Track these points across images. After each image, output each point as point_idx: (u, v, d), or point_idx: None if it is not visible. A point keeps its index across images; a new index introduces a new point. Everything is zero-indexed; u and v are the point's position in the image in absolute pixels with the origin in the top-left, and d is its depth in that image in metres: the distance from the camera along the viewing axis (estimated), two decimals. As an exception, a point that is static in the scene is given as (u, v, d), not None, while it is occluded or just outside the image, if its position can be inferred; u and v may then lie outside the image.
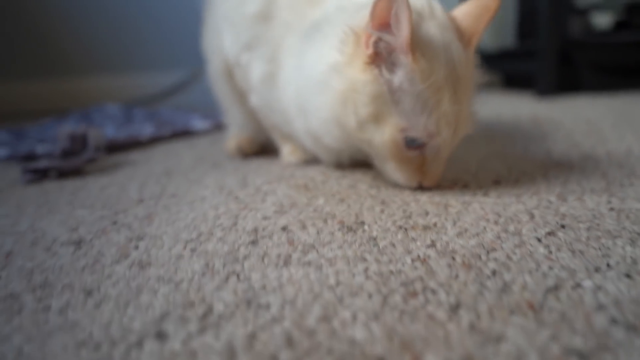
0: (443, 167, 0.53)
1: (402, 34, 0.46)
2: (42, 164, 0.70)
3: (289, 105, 0.60)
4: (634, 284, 0.31)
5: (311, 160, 0.68)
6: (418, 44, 0.47)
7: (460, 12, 0.52)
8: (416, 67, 0.47)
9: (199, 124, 1.11)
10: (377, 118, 0.49)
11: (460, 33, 0.50)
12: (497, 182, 0.55)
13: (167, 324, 0.29)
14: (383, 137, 0.50)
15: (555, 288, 0.31)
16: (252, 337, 0.27)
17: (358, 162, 0.64)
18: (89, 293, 0.34)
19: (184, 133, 1.05)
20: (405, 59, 0.47)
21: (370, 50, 0.48)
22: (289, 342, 0.27)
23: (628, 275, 0.32)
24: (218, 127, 1.09)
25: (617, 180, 0.54)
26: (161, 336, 0.28)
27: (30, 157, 0.81)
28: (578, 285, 0.31)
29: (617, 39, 1.41)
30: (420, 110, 0.48)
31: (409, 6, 0.44)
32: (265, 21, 0.61)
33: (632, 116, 0.96)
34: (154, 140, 1.01)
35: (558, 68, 1.35)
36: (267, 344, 0.27)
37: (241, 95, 0.70)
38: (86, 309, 0.32)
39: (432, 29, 0.49)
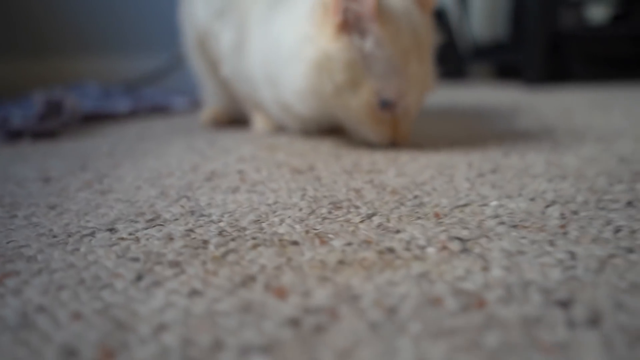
0: (412, 124, 0.60)
1: (368, 1, 0.53)
2: (16, 124, 0.76)
3: (256, 73, 0.67)
4: (535, 204, 0.38)
5: (281, 129, 0.75)
6: (382, 11, 0.54)
7: None
8: (384, 33, 0.54)
9: (178, 100, 1.17)
10: (352, 83, 0.56)
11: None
12: (452, 144, 0.62)
13: (118, 224, 0.36)
14: (359, 100, 0.56)
15: (464, 205, 0.38)
16: (190, 230, 0.34)
17: (324, 130, 0.70)
18: (52, 207, 0.41)
19: (163, 109, 1.12)
20: (373, 26, 0.54)
21: (339, 18, 0.55)
22: (220, 233, 0.33)
23: (532, 199, 0.39)
24: (198, 105, 1.16)
25: (564, 144, 0.60)
26: (112, 230, 0.35)
27: (5, 121, 0.87)
28: (485, 205, 0.38)
29: (608, 32, 1.49)
30: (391, 72, 0.55)
31: None
32: None
33: (609, 103, 1.03)
34: (132, 115, 1.07)
35: (547, 58, 1.42)
36: (201, 235, 0.33)
37: (214, 66, 0.77)
38: (49, 216, 0.38)
39: None
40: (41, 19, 1.85)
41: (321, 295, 0.24)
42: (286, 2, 0.62)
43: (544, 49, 1.41)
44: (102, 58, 1.86)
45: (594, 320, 0.21)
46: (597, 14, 1.78)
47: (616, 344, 0.20)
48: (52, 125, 0.78)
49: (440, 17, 1.83)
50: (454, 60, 1.90)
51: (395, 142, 0.60)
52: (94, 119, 0.98)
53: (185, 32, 0.81)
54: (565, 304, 0.23)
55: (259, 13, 0.66)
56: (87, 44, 1.87)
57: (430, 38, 0.58)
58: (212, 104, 0.88)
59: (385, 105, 0.57)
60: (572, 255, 0.28)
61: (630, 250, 0.29)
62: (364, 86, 0.56)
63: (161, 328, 0.22)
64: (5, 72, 1.80)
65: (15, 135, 0.76)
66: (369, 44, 0.54)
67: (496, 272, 0.26)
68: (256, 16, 0.66)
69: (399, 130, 0.59)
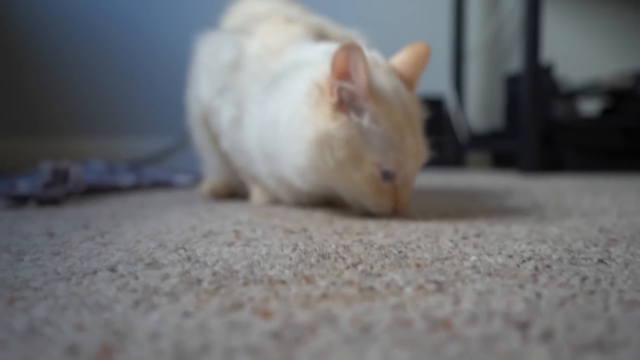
0: (411, 192, 0.64)
1: (361, 81, 0.59)
2: (22, 190, 0.81)
3: (252, 148, 0.72)
4: (512, 259, 0.41)
5: (277, 200, 0.79)
6: (374, 90, 0.60)
7: (398, 61, 0.66)
8: (378, 110, 0.60)
9: (180, 177, 1.23)
10: (353, 158, 0.61)
11: (402, 78, 0.64)
12: (442, 216, 0.66)
13: (118, 266, 0.39)
14: (362, 173, 0.61)
15: (445, 259, 0.41)
16: (186, 272, 0.37)
17: (318, 202, 0.75)
18: (56, 254, 0.44)
19: (165, 184, 1.17)
20: (367, 104, 0.60)
21: (334, 98, 0.61)
22: (214, 274, 0.36)
23: (510, 256, 0.42)
24: (199, 180, 1.21)
25: (550, 217, 0.64)
26: (112, 270, 0.38)
27: (12, 187, 0.92)
28: (464, 259, 0.41)
29: (598, 124, 1.58)
30: (389, 145, 0.60)
31: (364, 57, 0.58)
32: (235, 70, 0.75)
33: (599, 187, 1.08)
34: (134, 188, 1.12)
35: (541, 149, 1.49)
36: (196, 275, 0.36)
37: (215, 140, 0.83)
38: (53, 260, 0.42)
39: (381, 75, 0.63)
40: (54, 102, 1.96)
41: (303, 316, 0.27)
42: (280, 85, 0.69)
43: (538, 140, 1.48)
44: (109, 139, 1.95)
45: (547, 336, 0.24)
46: (589, 107, 1.89)
47: (563, 354, 0.23)
48: (57, 192, 0.82)
49: (439, 106, 1.95)
50: (451, 148, 1.99)
51: (397, 210, 0.63)
52: (97, 191, 1.03)
53: (190, 110, 0.88)
54: (523, 326, 0.26)
55: (255, 93, 0.73)
56: (95, 126, 1.97)
57: (419, 112, 0.64)
58: (212, 177, 0.93)
59: (387, 176, 0.61)
60: (538, 295, 0.31)
61: (592, 292, 0.32)
62: (365, 160, 0.61)
63: (155, 336, 0.25)
64: (17, 149, 1.89)
65: (20, 201, 0.80)
66: (366, 121, 0.60)
67: (466, 305, 0.29)
68: (252, 95, 0.73)
69: (400, 198, 0.63)
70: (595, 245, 0.46)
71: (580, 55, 2.28)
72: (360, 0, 2.16)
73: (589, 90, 1.66)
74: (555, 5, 2.25)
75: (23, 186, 0.84)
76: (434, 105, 1.96)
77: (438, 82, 2.13)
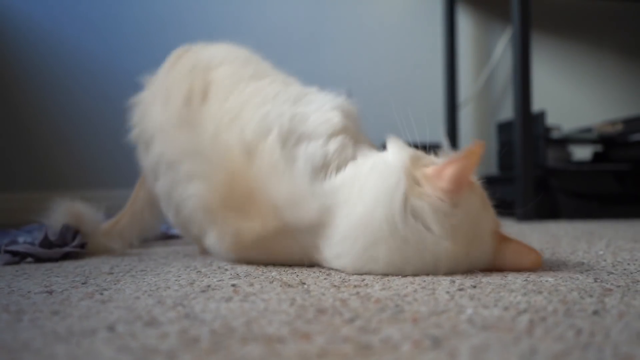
0: None
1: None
2: (21, 247, 0.81)
3: None
4: (507, 312, 0.41)
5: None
6: None
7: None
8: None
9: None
10: None
11: None
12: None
13: (117, 325, 0.39)
14: None
15: (442, 312, 0.41)
16: (184, 331, 0.37)
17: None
18: (55, 313, 0.44)
19: (164, 237, 1.17)
20: None
21: None
22: (212, 332, 0.37)
23: (506, 309, 0.42)
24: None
25: (545, 265, 0.64)
26: (111, 329, 0.38)
27: (11, 243, 0.92)
28: (461, 312, 0.41)
29: (591, 168, 1.60)
30: None
31: None
32: None
33: (594, 234, 1.08)
34: (133, 242, 1.12)
35: (536, 194, 1.51)
36: (194, 335, 0.36)
37: None
38: (53, 320, 0.42)
39: None
40: (58, 156, 1.99)
41: (300, 376, 0.28)
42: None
43: (533, 187, 1.50)
44: (111, 192, 1.97)
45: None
46: (579, 153, 1.92)
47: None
48: (55, 254, 0.82)
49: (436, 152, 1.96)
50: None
51: None
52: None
53: None
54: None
55: None
56: (98, 180, 1.99)
57: None
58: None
59: None
60: (533, 351, 0.32)
61: (586, 346, 0.32)
62: None
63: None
64: (21, 203, 1.90)
65: (21, 258, 0.80)
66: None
67: (462, 359, 0.30)
68: None
69: None
70: (590, 296, 0.47)
71: (569, 106, 2.33)
72: (356, 65, 2.22)
73: (580, 136, 1.69)
74: (543, 58, 2.32)
75: (22, 240, 0.84)
76: (432, 151, 1.99)
77: (435, 131, 2.17)
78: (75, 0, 2.01)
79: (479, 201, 0.62)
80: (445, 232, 0.56)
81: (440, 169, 0.58)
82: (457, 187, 0.57)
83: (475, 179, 0.63)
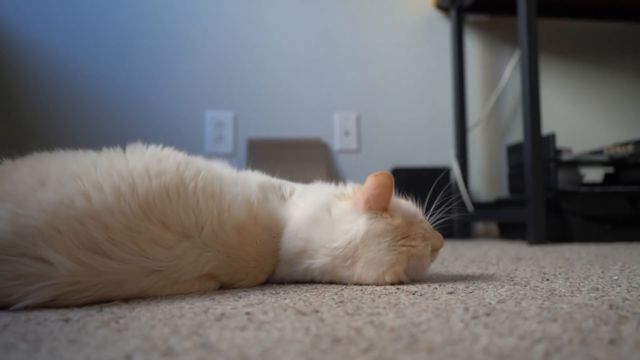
0: None
1: None
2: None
3: None
4: (522, 341, 0.41)
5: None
6: None
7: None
8: None
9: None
10: None
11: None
12: (451, 292, 0.66)
13: (134, 355, 0.39)
14: None
15: (456, 341, 0.41)
16: (200, 359, 0.37)
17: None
18: (72, 342, 0.44)
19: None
20: None
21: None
22: (229, 363, 0.37)
23: (521, 338, 0.42)
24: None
25: (559, 292, 0.64)
26: (128, 358, 0.38)
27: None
28: (476, 342, 0.41)
29: (603, 190, 1.60)
30: None
31: None
32: None
33: (609, 258, 1.07)
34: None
35: (547, 217, 1.50)
36: (211, 364, 0.37)
37: None
38: (70, 349, 0.42)
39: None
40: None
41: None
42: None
43: (544, 209, 1.49)
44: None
45: None
46: (590, 175, 1.91)
47: None
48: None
49: (446, 175, 1.98)
50: (459, 218, 2.00)
51: None
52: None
53: None
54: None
55: None
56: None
57: None
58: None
59: None
60: (550, 381, 0.31)
61: (603, 377, 0.32)
62: None
63: None
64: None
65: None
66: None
67: (478, 393, 0.30)
68: None
69: None
70: (606, 324, 0.46)
71: (579, 128, 2.33)
72: (366, 90, 2.24)
73: (591, 158, 1.68)
74: (551, 80, 2.33)
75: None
76: (442, 177, 1.99)
77: (445, 154, 2.18)
78: (90, 28, 2.06)
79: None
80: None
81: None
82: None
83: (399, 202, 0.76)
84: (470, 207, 1.97)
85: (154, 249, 0.64)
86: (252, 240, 0.72)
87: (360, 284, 0.72)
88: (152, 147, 0.74)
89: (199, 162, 0.75)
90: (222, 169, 0.79)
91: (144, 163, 0.68)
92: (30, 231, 0.60)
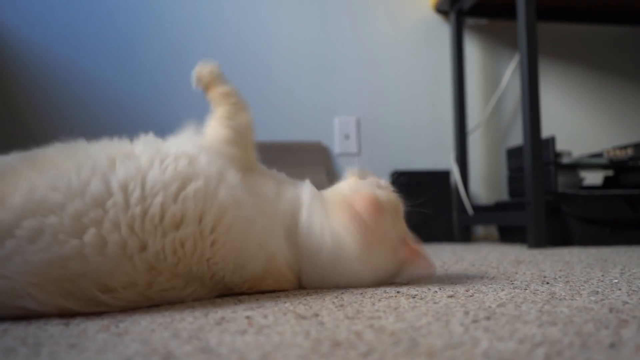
0: None
1: None
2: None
3: None
4: (522, 345, 0.41)
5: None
6: None
7: None
8: None
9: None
10: None
11: None
12: (451, 296, 0.66)
13: (134, 358, 0.39)
14: None
15: (457, 345, 0.41)
16: (200, 365, 0.37)
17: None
18: (72, 346, 0.44)
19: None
20: None
21: None
22: (229, 367, 0.37)
23: (521, 342, 0.42)
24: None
25: (559, 295, 0.64)
26: (128, 364, 0.38)
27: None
28: (476, 346, 0.41)
29: (603, 193, 1.60)
30: None
31: None
32: None
33: (609, 261, 1.07)
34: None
35: (547, 220, 1.50)
36: (211, 368, 0.36)
37: None
38: (70, 353, 0.42)
39: None
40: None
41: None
42: None
43: (544, 213, 1.49)
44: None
45: None
46: (590, 178, 1.91)
47: None
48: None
49: (446, 178, 1.98)
50: (458, 221, 2.00)
51: None
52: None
53: None
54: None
55: None
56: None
57: None
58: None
59: None
60: (550, 386, 0.31)
61: (604, 382, 0.32)
62: None
63: None
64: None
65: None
66: None
67: (478, 398, 0.29)
68: None
69: None
70: (606, 328, 0.46)
71: (578, 131, 2.33)
72: (366, 93, 2.24)
73: (591, 161, 1.68)
74: (551, 84, 2.33)
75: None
76: (442, 180, 2.00)
77: (445, 157, 2.18)
78: (92, 32, 2.06)
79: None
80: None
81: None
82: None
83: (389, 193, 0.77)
84: (470, 210, 1.97)
85: None
86: None
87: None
88: None
89: None
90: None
91: None
92: None
